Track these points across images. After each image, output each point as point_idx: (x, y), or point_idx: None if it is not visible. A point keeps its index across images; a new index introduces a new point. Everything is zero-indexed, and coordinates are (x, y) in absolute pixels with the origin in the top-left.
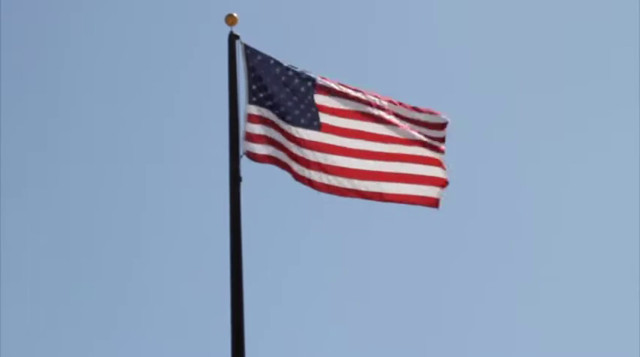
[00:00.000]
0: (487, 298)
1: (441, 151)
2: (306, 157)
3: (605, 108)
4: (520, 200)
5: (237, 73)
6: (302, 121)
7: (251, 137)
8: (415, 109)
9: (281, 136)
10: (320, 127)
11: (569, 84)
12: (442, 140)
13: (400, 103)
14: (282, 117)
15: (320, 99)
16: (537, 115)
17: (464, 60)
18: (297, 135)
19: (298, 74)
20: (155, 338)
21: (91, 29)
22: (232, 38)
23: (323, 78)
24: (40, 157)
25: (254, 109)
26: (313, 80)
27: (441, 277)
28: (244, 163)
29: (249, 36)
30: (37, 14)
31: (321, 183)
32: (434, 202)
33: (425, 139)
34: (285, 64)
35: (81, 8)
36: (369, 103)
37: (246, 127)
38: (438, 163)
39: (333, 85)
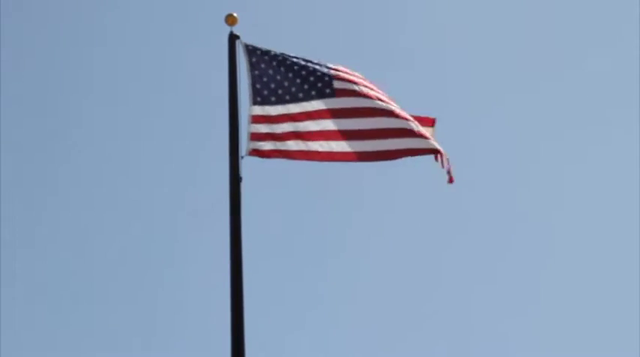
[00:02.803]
0: (486, 297)
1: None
2: (311, 129)
3: (605, 108)
4: (519, 200)
5: (238, 73)
6: (312, 93)
7: (257, 137)
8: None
9: (292, 123)
10: (334, 93)
11: (568, 84)
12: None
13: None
14: (293, 101)
15: (337, 84)
16: (537, 114)
17: (463, 59)
18: (308, 109)
19: (310, 69)
20: (155, 338)
21: (91, 29)
22: (232, 38)
23: (337, 70)
24: (40, 157)
25: (258, 110)
26: (330, 76)
27: (442, 277)
28: (244, 163)
29: (250, 36)
30: (37, 14)
31: (324, 152)
32: (437, 152)
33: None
34: (294, 59)
35: (81, 8)
36: (379, 99)
37: (250, 128)
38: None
39: (350, 77)
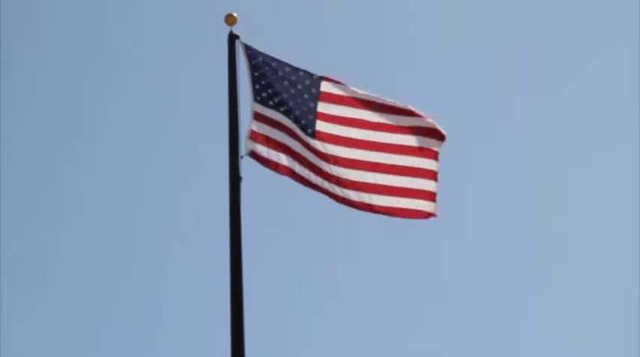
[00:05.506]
0: (486, 299)
1: (436, 160)
2: (309, 160)
3: (605, 108)
4: (520, 201)
5: (237, 73)
6: (297, 124)
7: (255, 137)
8: (411, 113)
9: (286, 135)
10: (314, 134)
11: (568, 84)
12: (436, 154)
13: (399, 108)
14: (286, 114)
15: (322, 107)
16: (537, 115)
17: (463, 60)
18: (301, 137)
19: (303, 78)
20: (155, 338)
21: (91, 29)
22: (232, 38)
23: (329, 79)
24: (40, 157)
25: (259, 108)
26: (318, 87)
27: (441, 278)
28: (244, 162)
29: (249, 36)
30: (37, 14)
31: (324, 189)
32: (426, 215)
33: (422, 146)
34: (288, 65)
35: (81, 8)
36: (371, 107)
37: (251, 125)
38: (432, 176)
39: (339, 92)
